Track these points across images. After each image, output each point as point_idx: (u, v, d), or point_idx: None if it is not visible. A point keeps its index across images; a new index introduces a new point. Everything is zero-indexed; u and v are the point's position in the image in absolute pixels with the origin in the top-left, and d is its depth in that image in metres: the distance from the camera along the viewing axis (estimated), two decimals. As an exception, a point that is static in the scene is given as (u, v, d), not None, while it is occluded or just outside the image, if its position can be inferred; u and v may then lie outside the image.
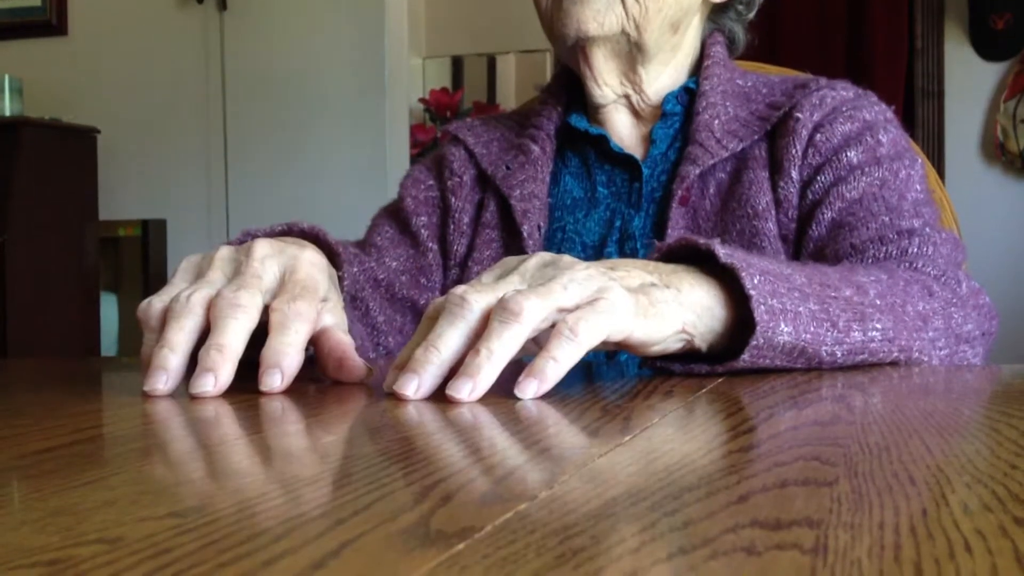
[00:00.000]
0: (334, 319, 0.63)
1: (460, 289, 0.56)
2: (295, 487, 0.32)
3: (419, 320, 0.96)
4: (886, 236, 0.84)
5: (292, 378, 0.56)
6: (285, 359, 0.56)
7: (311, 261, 0.63)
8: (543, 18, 0.95)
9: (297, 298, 0.59)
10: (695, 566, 0.24)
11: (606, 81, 0.96)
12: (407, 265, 0.98)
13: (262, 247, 0.63)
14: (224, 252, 0.64)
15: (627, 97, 0.98)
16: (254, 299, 0.58)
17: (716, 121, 0.93)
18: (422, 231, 1.00)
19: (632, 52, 0.95)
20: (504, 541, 0.26)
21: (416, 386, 0.53)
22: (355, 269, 0.94)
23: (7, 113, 3.41)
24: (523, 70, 4.35)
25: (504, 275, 0.59)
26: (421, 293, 0.97)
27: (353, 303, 0.93)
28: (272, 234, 0.74)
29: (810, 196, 0.90)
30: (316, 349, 0.62)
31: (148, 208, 3.70)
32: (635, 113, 0.99)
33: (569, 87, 1.02)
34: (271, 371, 0.56)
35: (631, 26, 0.92)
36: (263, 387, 0.55)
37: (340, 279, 0.73)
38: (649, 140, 0.98)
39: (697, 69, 0.99)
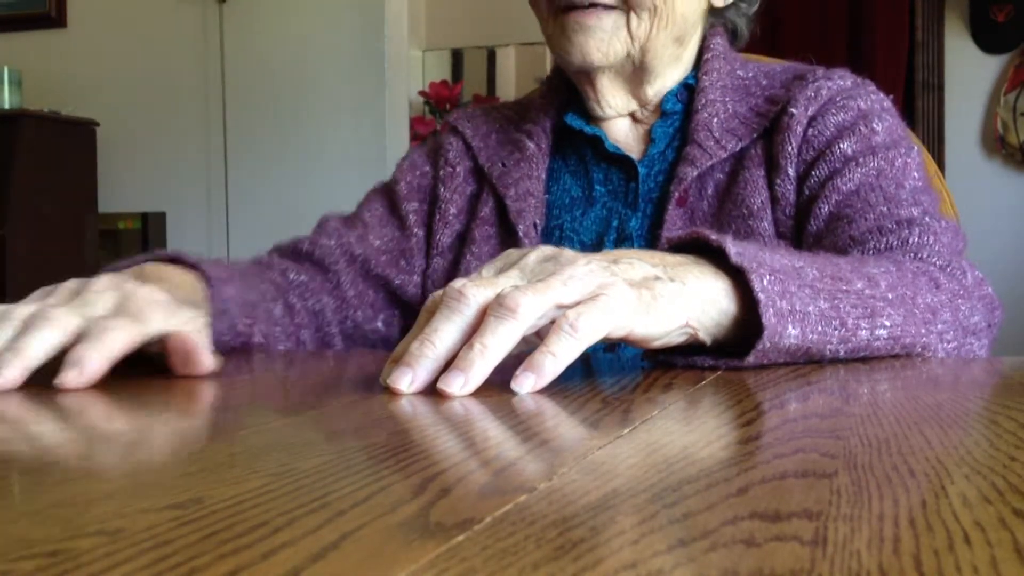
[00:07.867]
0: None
1: (459, 283, 0.56)
2: (294, 479, 0.32)
3: (392, 298, 0.99)
4: (885, 226, 0.83)
5: (91, 377, 0.56)
6: (85, 358, 0.56)
7: (144, 297, 0.64)
8: (546, 36, 0.94)
9: (112, 319, 0.60)
10: (694, 558, 0.24)
11: (609, 103, 0.96)
12: (390, 245, 1.00)
13: (102, 281, 0.64)
14: (70, 283, 0.65)
15: (631, 113, 0.98)
16: (70, 318, 0.59)
17: (715, 120, 0.93)
18: (411, 216, 1.01)
19: (637, 72, 0.94)
20: (504, 533, 0.26)
21: (410, 380, 0.53)
22: (332, 242, 0.98)
23: (6, 106, 3.40)
24: (523, 63, 4.34)
25: (504, 269, 0.59)
26: (398, 274, 0.99)
27: (325, 274, 0.97)
28: (134, 263, 0.77)
29: (806, 191, 0.89)
30: (166, 350, 0.62)
31: (148, 201, 3.70)
32: (635, 117, 0.99)
33: (569, 82, 1.01)
34: (65, 368, 0.56)
35: (636, 49, 0.91)
36: (55, 382, 0.56)
37: (210, 289, 0.74)
38: (648, 138, 0.97)
39: (697, 62, 0.98)
